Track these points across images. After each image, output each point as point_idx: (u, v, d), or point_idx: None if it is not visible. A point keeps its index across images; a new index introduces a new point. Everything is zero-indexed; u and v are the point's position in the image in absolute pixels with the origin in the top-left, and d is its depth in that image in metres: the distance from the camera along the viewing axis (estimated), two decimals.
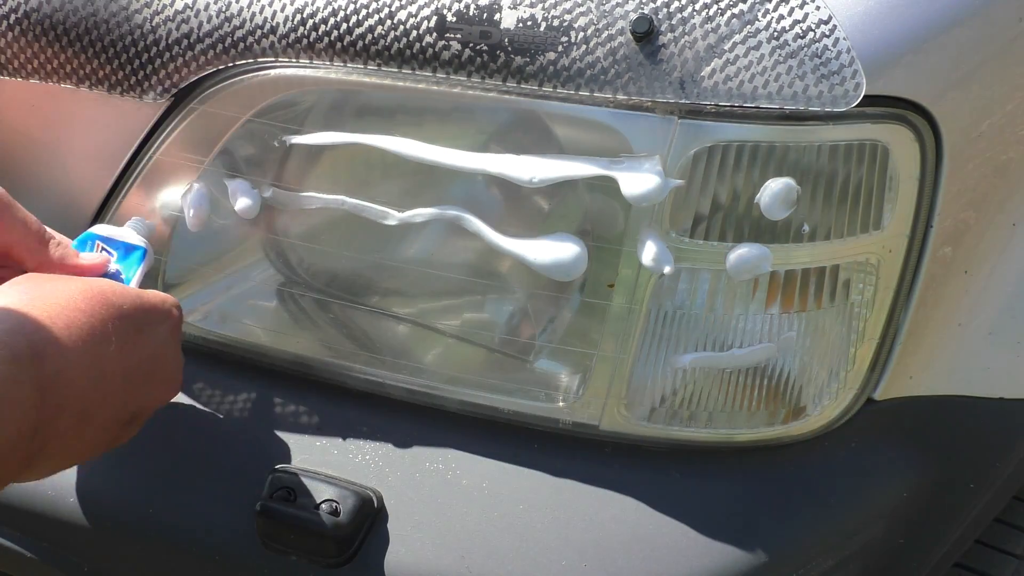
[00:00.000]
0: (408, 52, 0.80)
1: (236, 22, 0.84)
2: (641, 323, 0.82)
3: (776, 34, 0.76)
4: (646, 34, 0.76)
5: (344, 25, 0.81)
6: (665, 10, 0.77)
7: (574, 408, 0.86)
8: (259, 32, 0.83)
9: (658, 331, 0.83)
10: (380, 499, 0.85)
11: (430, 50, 0.80)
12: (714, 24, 0.76)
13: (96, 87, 0.88)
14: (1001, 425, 0.95)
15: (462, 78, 0.80)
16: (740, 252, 0.79)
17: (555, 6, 0.78)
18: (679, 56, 0.76)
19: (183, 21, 0.85)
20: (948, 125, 0.81)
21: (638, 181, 0.76)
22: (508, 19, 0.78)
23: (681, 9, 0.77)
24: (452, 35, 0.79)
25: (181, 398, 0.93)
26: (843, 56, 0.76)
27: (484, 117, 0.83)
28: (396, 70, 0.81)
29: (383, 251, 0.87)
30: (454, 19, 0.79)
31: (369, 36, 0.81)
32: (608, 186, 0.79)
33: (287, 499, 0.83)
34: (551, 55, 0.78)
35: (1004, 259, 0.91)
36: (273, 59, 0.84)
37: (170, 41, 0.85)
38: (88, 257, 0.83)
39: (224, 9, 0.84)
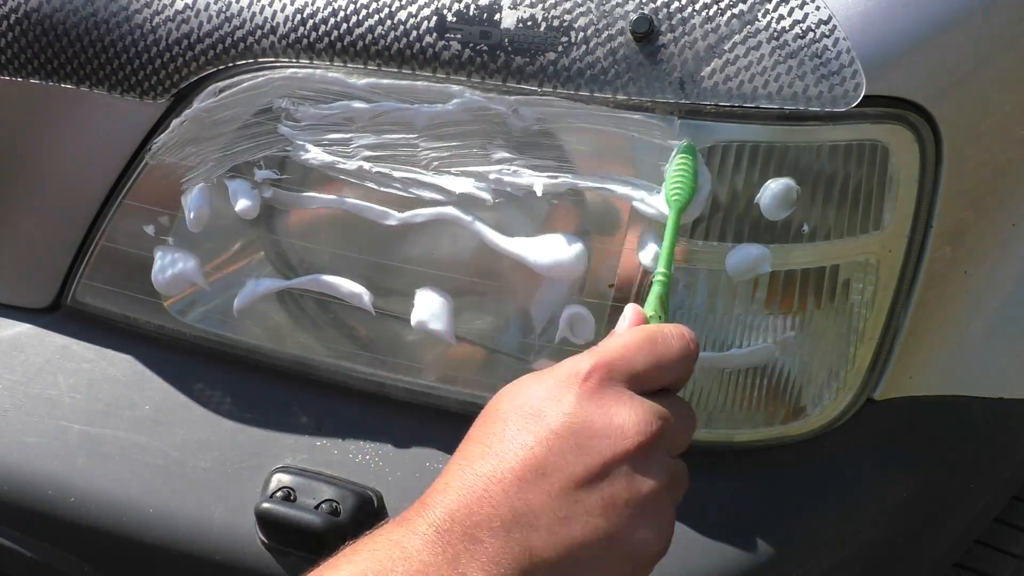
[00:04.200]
0: (408, 52, 0.80)
1: (236, 22, 0.84)
2: None
3: (776, 34, 0.76)
4: (646, 34, 0.76)
5: (344, 25, 0.81)
6: (665, 10, 0.77)
7: None
8: (259, 32, 0.83)
9: None
10: (380, 499, 0.85)
11: (430, 50, 0.80)
12: (714, 24, 0.77)
13: (96, 87, 0.88)
14: (1001, 425, 0.95)
15: (462, 78, 0.80)
16: (740, 252, 0.79)
17: (555, 6, 0.78)
18: (679, 56, 0.76)
19: (183, 21, 0.85)
20: (948, 125, 0.81)
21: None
22: (508, 19, 0.78)
23: (681, 9, 0.77)
24: (452, 35, 0.79)
25: (182, 399, 0.93)
26: (843, 56, 0.76)
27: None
28: (396, 70, 0.81)
29: (383, 251, 0.87)
30: (454, 19, 0.79)
31: (369, 36, 0.81)
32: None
33: (287, 499, 0.83)
34: (551, 55, 0.78)
35: (1004, 259, 0.91)
36: (273, 59, 0.84)
37: (170, 41, 0.85)
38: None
39: (224, 9, 0.84)
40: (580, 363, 0.67)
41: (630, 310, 0.73)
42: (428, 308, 0.84)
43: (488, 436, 0.65)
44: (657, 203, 0.77)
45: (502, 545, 0.62)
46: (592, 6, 0.78)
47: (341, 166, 0.83)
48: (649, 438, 0.65)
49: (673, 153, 0.77)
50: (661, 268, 0.74)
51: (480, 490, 0.63)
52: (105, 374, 0.96)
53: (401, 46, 0.80)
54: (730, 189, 0.79)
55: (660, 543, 0.66)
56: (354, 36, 0.81)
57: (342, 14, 0.81)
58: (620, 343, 0.68)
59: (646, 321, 0.72)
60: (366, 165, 0.83)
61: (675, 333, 0.70)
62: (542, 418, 0.65)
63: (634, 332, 0.69)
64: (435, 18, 0.80)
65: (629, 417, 0.65)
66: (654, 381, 0.68)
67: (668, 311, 0.74)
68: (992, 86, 0.84)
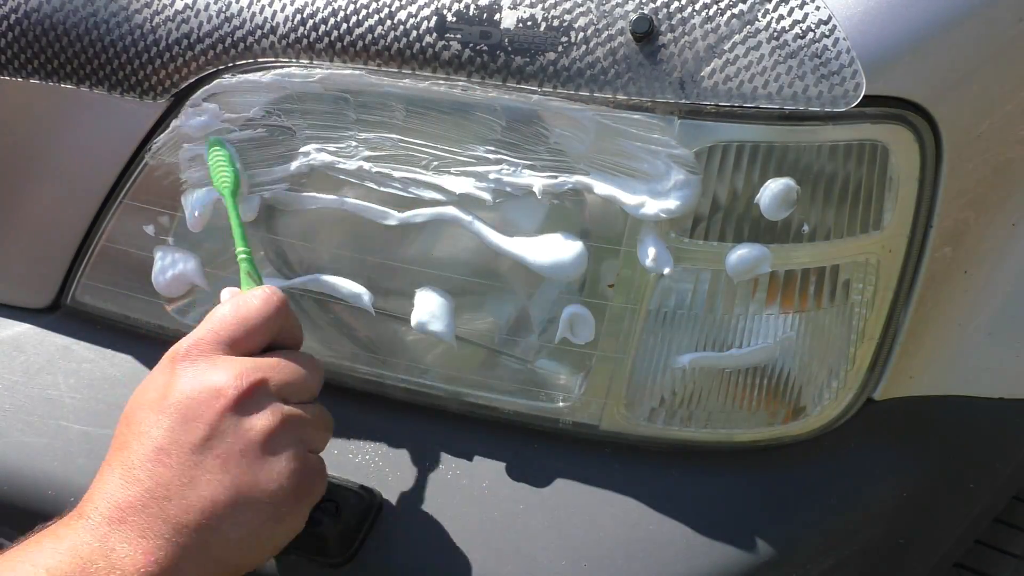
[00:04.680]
0: (408, 52, 0.80)
1: (236, 22, 0.84)
2: (641, 323, 0.82)
3: (776, 34, 0.76)
4: (646, 34, 0.76)
5: (344, 25, 0.81)
6: (665, 10, 0.77)
7: (574, 408, 0.86)
8: (259, 32, 0.83)
9: (658, 331, 0.83)
10: (380, 499, 0.85)
11: (430, 50, 0.80)
12: (714, 24, 0.77)
13: (96, 87, 0.88)
14: (1001, 425, 0.95)
15: (462, 78, 0.80)
16: (740, 252, 0.79)
17: (555, 6, 0.78)
18: (679, 56, 0.76)
19: (183, 21, 0.85)
20: (948, 125, 0.81)
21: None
22: (508, 19, 0.78)
23: (681, 9, 0.77)
24: (452, 35, 0.79)
25: None
26: (843, 56, 0.76)
27: (484, 118, 0.83)
28: (396, 70, 0.81)
29: (383, 251, 0.87)
30: (454, 19, 0.79)
31: (369, 36, 0.81)
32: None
33: None
34: (551, 55, 0.78)
35: (1004, 259, 0.91)
36: (273, 59, 0.84)
37: (170, 41, 0.85)
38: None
39: (224, 9, 0.84)
40: (176, 348, 0.75)
41: (226, 293, 0.81)
42: (428, 308, 0.84)
43: (122, 437, 0.73)
44: (657, 204, 0.77)
45: (143, 520, 0.70)
46: (592, 6, 0.78)
47: (341, 166, 0.83)
48: (247, 388, 0.72)
49: (206, 148, 0.84)
50: (240, 247, 0.82)
51: (119, 482, 0.71)
52: (105, 374, 0.96)
53: (401, 46, 0.80)
54: (730, 189, 0.79)
55: (290, 480, 0.73)
56: (354, 36, 0.81)
57: (342, 14, 0.82)
58: (210, 319, 0.76)
59: None
60: (366, 165, 0.83)
61: (255, 294, 0.77)
62: (155, 405, 0.73)
63: (221, 307, 0.77)
64: (435, 18, 0.80)
65: (221, 377, 0.72)
66: (249, 342, 0.76)
67: (261, 281, 0.81)
68: (992, 86, 0.84)
